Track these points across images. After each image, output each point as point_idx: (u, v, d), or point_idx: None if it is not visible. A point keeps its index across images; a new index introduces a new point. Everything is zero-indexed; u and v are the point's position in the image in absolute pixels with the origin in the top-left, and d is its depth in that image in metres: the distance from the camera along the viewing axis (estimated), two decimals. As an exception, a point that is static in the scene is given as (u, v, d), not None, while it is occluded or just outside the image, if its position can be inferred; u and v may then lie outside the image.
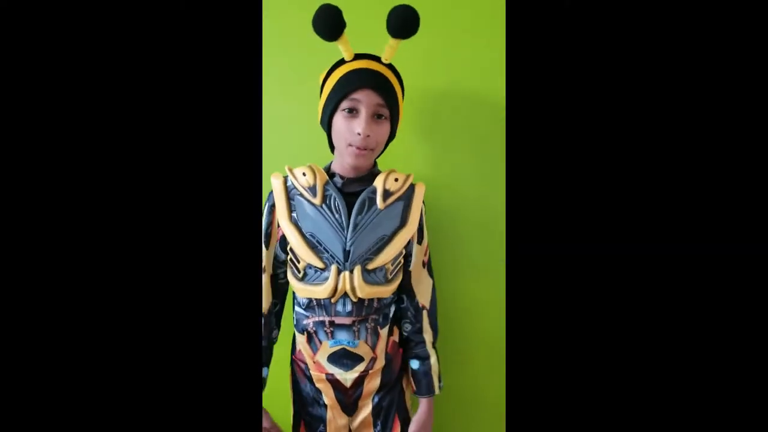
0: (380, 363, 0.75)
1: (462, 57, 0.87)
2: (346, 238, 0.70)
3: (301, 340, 0.75)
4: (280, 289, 0.78)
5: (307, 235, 0.71)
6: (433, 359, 0.78)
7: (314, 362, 0.74)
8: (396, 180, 0.72)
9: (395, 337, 0.78)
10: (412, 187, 0.74)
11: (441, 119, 0.88)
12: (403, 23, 0.63)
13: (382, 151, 0.75)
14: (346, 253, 0.69)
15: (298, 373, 0.78)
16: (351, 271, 0.69)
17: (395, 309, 0.79)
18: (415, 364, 0.78)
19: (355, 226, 0.70)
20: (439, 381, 0.79)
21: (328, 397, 0.75)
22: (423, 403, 0.78)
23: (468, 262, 0.90)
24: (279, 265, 0.76)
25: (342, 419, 0.76)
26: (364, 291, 0.69)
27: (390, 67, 0.71)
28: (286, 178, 0.74)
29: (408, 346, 0.79)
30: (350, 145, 0.68)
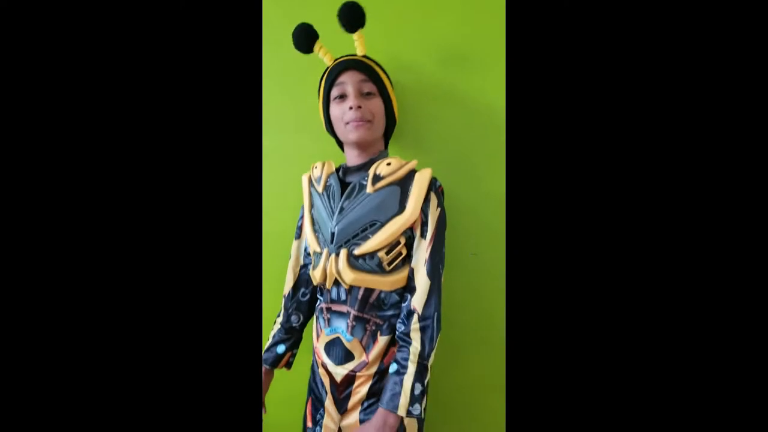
0: (372, 369, 0.72)
1: (462, 57, 0.87)
2: (333, 222, 0.72)
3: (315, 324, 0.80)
4: (304, 278, 0.83)
5: (314, 222, 0.76)
6: (408, 378, 0.64)
7: (316, 347, 0.78)
8: (388, 164, 0.71)
9: (396, 348, 0.71)
10: (412, 173, 0.71)
11: (441, 119, 0.89)
12: (348, 21, 0.73)
13: (390, 133, 0.79)
14: (332, 236, 0.71)
15: (316, 354, 0.80)
16: (337, 254, 0.70)
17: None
18: (392, 367, 0.68)
19: (341, 209, 0.71)
20: (410, 404, 0.63)
21: (326, 385, 0.76)
22: (378, 412, 0.65)
23: (468, 261, 0.90)
24: (307, 255, 0.83)
25: (334, 412, 0.75)
26: (348, 276, 0.69)
27: (366, 57, 0.76)
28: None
29: (397, 346, 0.71)
30: (347, 123, 0.72)
